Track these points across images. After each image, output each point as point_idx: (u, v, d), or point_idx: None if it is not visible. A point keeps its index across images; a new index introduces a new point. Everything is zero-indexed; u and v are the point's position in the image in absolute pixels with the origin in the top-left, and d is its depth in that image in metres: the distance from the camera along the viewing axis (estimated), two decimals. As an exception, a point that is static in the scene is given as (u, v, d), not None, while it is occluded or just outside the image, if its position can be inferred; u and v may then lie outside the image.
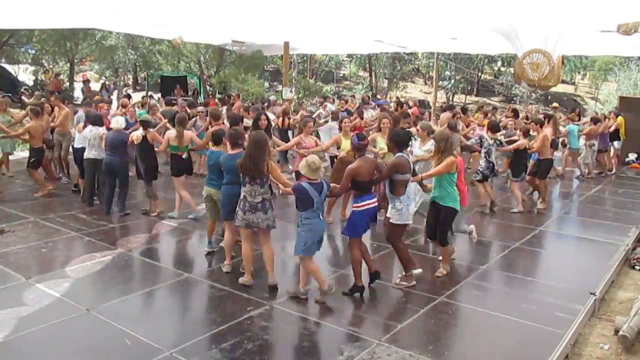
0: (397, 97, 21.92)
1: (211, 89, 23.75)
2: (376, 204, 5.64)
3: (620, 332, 4.80)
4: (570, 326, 4.91)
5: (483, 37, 14.29)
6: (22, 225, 7.67)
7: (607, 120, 13.58)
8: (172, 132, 8.07)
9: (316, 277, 5.33)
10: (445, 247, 6.14)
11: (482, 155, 8.91)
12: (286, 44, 15.38)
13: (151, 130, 8.30)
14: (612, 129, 13.40)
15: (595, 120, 12.90)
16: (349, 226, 5.56)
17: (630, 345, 4.78)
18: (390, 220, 5.73)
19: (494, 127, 9.08)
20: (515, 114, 12.89)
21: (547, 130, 9.42)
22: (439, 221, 6.04)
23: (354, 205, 5.53)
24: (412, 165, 5.85)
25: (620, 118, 13.73)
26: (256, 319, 4.98)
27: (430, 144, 7.18)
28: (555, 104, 17.18)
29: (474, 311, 5.35)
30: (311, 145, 8.24)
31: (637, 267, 6.95)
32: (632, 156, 15.04)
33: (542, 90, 7.59)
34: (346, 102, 15.80)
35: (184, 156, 8.09)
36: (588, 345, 4.89)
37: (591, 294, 5.64)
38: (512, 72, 33.85)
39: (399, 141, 5.72)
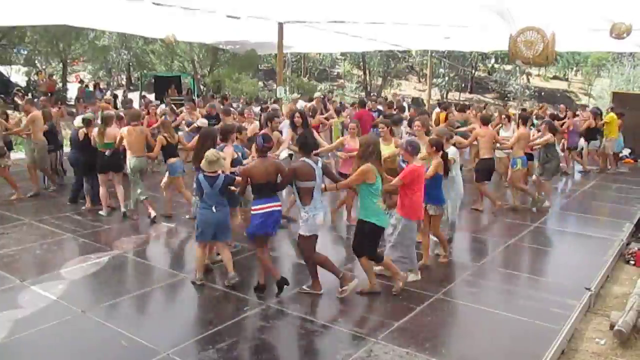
0: (394, 93, 21.87)
1: (205, 88, 23.70)
2: (276, 208, 5.37)
3: (616, 327, 4.82)
4: (566, 322, 4.93)
5: (476, 34, 14.32)
6: (17, 227, 7.63)
7: (575, 117, 13.27)
8: (96, 129, 8.28)
9: (198, 264, 5.76)
10: (382, 262, 5.55)
11: None
12: (280, 25, 14.95)
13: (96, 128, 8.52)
14: (583, 127, 13.01)
15: (553, 117, 12.64)
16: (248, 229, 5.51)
17: (626, 339, 4.81)
18: (298, 232, 5.39)
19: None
20: (445, 107, 12.88)
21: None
22: (363, 236, 5.43)
23: (251, 207, 5.45)
24: (318, 172, 5.25)
25: (609, 116, 13.36)
26: (253, 318, 4.98)
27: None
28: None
29: (471, 308, 5.36)
30: (353, 148, 7.23)
31: (632, 262, 6.99)
32: (625, 151, 15.12)
33: (537, 67, 7.29)
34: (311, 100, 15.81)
35: (106, 153, 8.12)
36: (584, 340, 4.91)
37: (586, 289, 5.66)
38: (506, 69, 34.11)
39: (304, 146, 5.37)
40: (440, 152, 6.13)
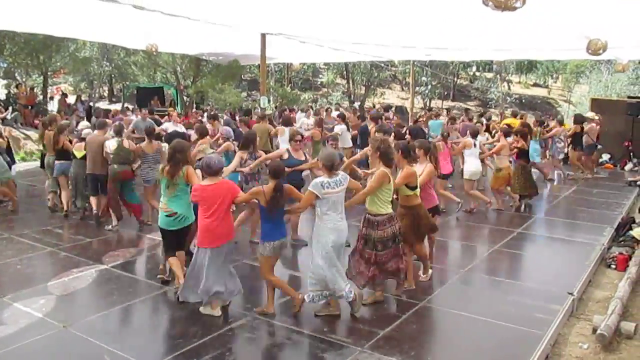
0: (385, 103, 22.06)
1: (188, 99, 23.61)
2: None
3: (598, 331, 4.88)
4: (549, 327, 4.97)
5: (457, 46, 14.52)
6: (-4, 242, 7.51)
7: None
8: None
9: None
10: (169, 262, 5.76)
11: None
12: (263, 36, 14.94)
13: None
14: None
15: (452, 119, 12.86)
16: None
17: (608, 343, 4.86)
18: None
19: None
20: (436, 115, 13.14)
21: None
22: None
23: None
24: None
25: (510, 120, 13.41)
26: (238, 330, 4.95)
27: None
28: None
29: (455, 315, 5.38)
30: None
31: (613, 266, 7.07)
32: (605, 157, 15.36)
33: (510, 11, 6.97)
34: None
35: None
36: (567, 345, 4.96)
37: (569, 294, 5.72)
38: (487, 77, 34.53)
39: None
40: (275, 180, 5.02)
